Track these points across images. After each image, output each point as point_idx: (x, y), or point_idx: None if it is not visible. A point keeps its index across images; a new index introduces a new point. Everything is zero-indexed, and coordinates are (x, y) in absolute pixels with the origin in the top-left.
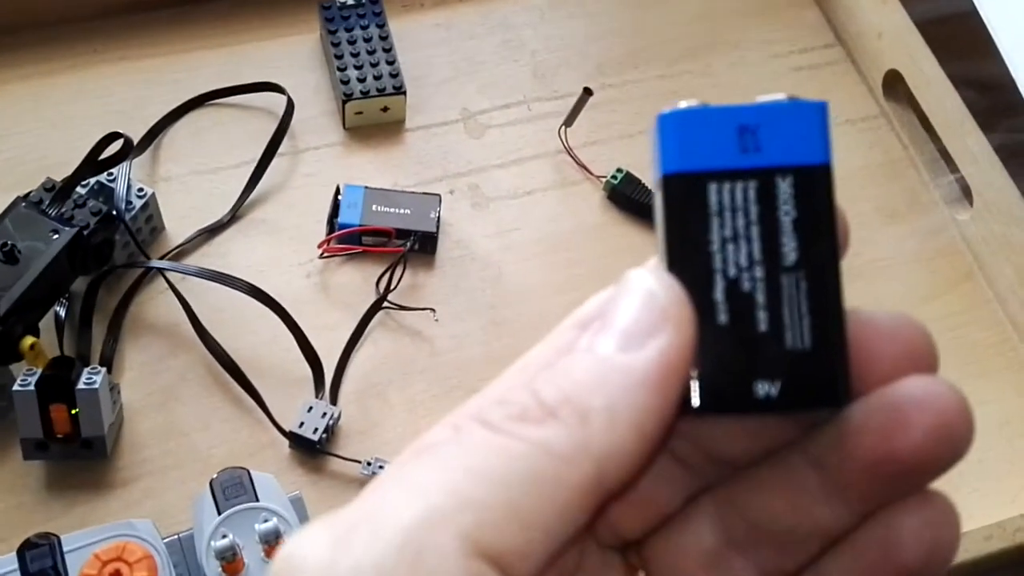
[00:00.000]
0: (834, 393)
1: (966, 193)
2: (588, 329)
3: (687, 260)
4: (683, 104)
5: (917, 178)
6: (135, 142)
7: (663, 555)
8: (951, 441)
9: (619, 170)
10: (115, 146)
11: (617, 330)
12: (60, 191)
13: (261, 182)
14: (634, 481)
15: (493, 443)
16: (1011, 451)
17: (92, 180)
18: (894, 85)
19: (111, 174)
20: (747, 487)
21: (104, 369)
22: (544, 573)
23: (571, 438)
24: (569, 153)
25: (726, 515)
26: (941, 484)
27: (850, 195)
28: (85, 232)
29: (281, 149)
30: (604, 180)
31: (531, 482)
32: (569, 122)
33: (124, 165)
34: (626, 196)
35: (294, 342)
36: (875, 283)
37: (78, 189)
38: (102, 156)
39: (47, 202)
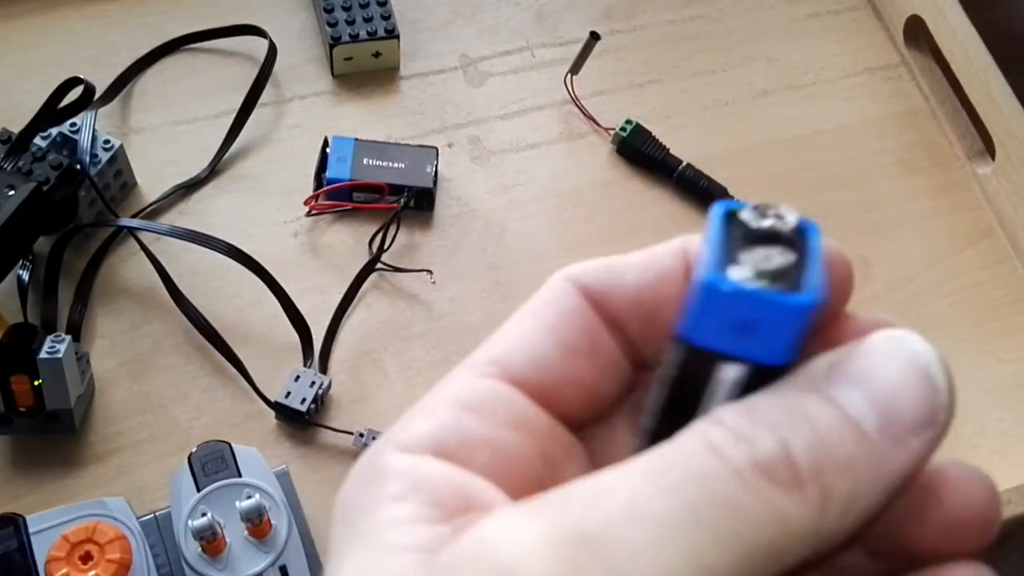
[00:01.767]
0: None
1: (988, 146)
2: (837, 379)
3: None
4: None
5: (938, 130)
6: (103, 90)
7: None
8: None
9: (628, 121)
10: (75, 93)
11: (884, 406)
12: (16, 143)
13: (242, 134)
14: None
15: (737, 500)
16: None
17: (54, 132)
18: (916, 32)
19: (74, 124)
20: None
21: (69, 337)
22: None
23: (808, 519)
24: (575, 103)
25: None
26: (958, 448)
27: (869, 148)
28: (45, 188)
29: (264, 98)
30: (612, 132)
31: (765, 554)
32: (575, 69)
33: (87, 114)
34: (636, 149)
35: (279, 307)
36: (893, 239)
37: (37, 141)
38: (62, 104)
39: (2, 155)
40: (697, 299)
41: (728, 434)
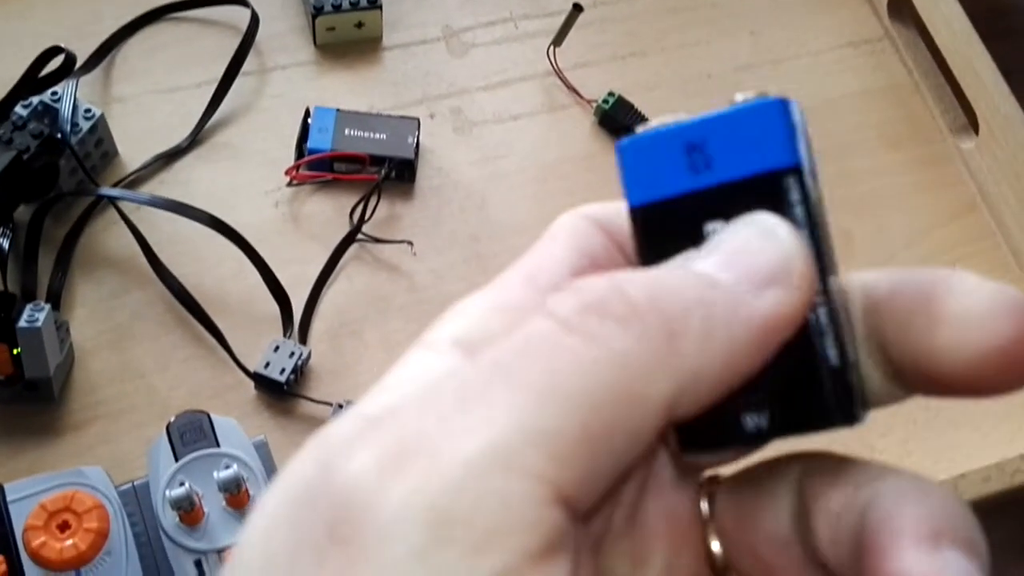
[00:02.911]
0: (842, 414)
1: (971, 121)
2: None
3: None
4: (641, 129)
5: (922, 104)
6: (85, 58)
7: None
8: None
9: (611, 94)
10: (56, 62)
11: (734, 261)
12: None
13: (223, 103)
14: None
15: (564, 344)
16: None
17: (35, 100)
18: (900, 5)
19: (56, 93)
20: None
21: (48, 306)
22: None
23: (652, 351)
24: (558, 75)
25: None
26: (938, 424)
27: (852, 122)
28: (25, 156)
29: (246, 68)
30: (595, 104)
31: (607, 399)
32: (558, 41)
33: (69, 83)
34: (618, 122)
35: (259, 277)
36: (875, 214)
37: (18, 110)
38: (43, 73)
39: None
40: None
41: (561, 293)
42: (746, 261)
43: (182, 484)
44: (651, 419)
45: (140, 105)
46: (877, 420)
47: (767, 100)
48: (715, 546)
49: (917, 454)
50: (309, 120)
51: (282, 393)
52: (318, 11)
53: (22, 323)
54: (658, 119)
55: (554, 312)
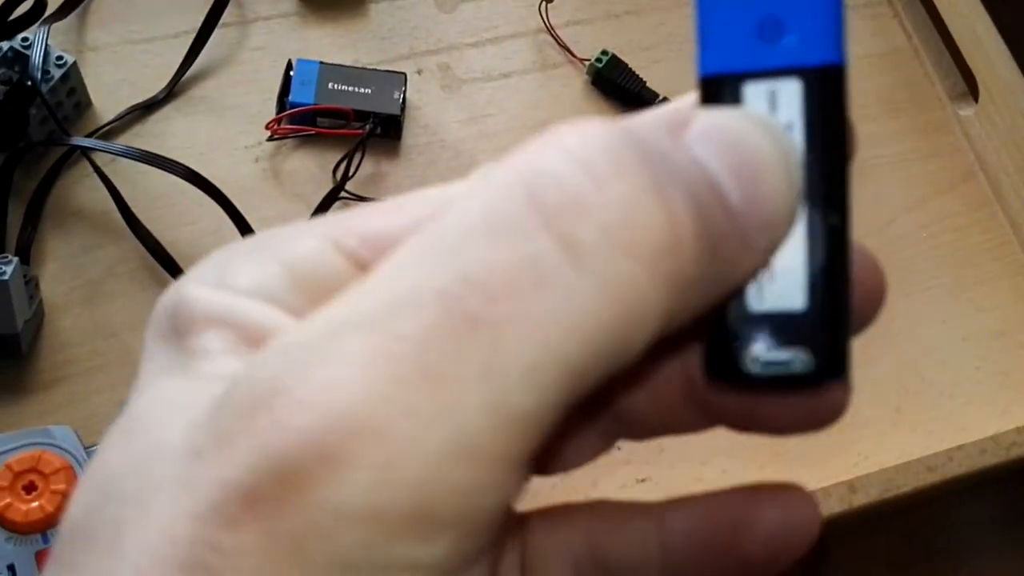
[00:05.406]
0: (833, 365)
1: (971, 87)
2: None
3: None
4: None
5: (920, 70)
6: (59, 4)
7: None
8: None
9: (604, 52)
10: (26, 5)
11: (744, 174)
12: None
13: (202, 54)
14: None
15: (566, 281)
16: (1007, 361)
17: (5, 46)
18: None
19: (26, 39)
20: None
21: (17, 259)
22: None
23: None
24: (550, 32)
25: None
26: (931, 396)
27: (849, 87)
28: None
29: (226, 18)
30: (588, 63)
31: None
32: None
33: (40, 29)
34: (611, 82)
35: (238, 234)
36: (872, 181)
37: None
38: (12, 17)
39: None
40: (706, 16)
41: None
42: (758, 184)
43: None
44: (645, 341)
45: (115, 54)
46: (867, 390)
47: None
48: None
49: (910, 425)
50: (291, 73)
51: None
52: None
53: None
54: None
55: (561, 232)
